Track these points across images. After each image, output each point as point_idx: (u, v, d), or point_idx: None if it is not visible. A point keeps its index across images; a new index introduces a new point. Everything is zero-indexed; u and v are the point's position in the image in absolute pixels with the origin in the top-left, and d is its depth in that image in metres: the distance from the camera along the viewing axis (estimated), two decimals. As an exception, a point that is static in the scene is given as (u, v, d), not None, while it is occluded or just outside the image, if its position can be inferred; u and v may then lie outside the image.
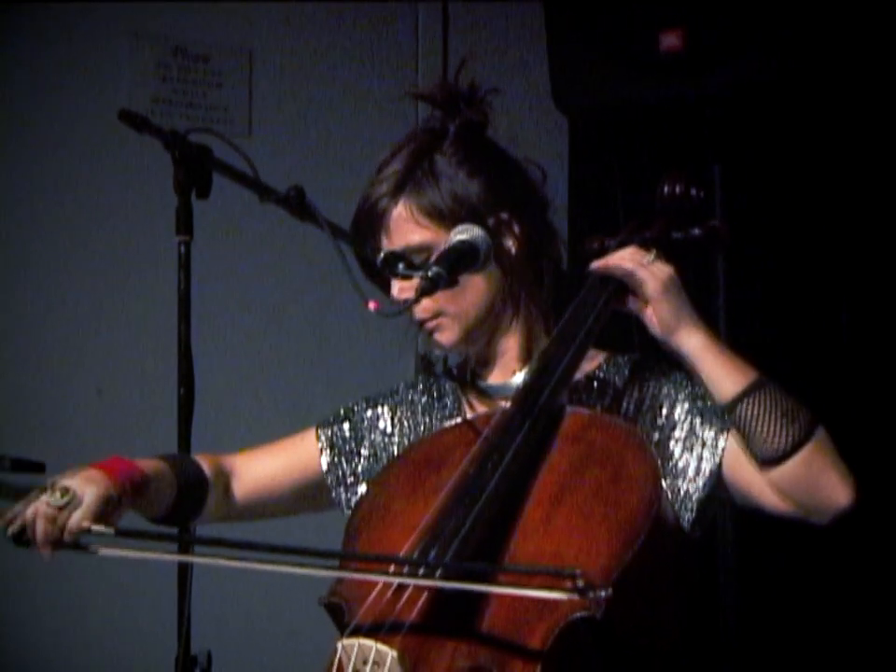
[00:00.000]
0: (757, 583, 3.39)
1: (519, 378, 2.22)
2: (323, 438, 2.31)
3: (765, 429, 2.06)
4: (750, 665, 3.46)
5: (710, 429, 2.16)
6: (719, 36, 3.34)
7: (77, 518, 2.01)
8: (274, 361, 3.79)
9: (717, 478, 2.13)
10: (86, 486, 2.04)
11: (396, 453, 2.27)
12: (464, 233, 2.11)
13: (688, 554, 2.07)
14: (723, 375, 2.09)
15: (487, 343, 2.25)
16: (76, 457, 3.46)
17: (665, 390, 2.22)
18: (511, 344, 2.26)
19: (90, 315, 3.65)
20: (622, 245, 2.20)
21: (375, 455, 2.30)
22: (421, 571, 1.90)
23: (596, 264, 2.16)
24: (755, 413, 2.07)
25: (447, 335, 2.20)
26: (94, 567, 3.58)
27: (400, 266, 2.07)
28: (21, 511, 2.04)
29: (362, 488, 2.27)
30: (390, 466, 2.19)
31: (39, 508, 2.02)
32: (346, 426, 2.32)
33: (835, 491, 2.06)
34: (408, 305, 2.04)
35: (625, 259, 2.13)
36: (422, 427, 2.29)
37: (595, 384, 2.25)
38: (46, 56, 3.64)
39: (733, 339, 3.44)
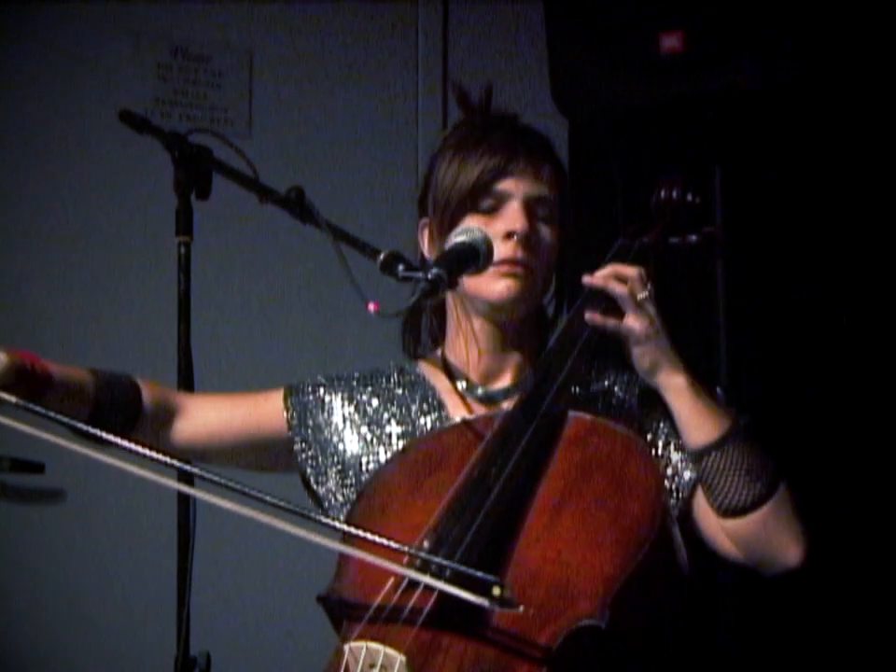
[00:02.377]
0: (756, 587, 3.38)
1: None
2: (291, 402, 2.30)
3: (727, 484, 2.09)
4: (748, 667, 3.47)
5: (682, 458, 2.18)
6: (719, 38, 3.34)
7: None
8: (274, 362, 3.78)
9: (684, 509, 2.15)
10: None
11: (361, 436, 2.26)
12: (464, 235, 2.12)
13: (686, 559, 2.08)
14: (694, 424, 2.12)
15: (501, 348, 2.26)
16: (75, 457, 3.48)
17: (635, 409, 2.24)
18: (524, 353, 2.26)
19: (89, 316, 3.64)
20: (620, 251, 2.21)
21: (339, 432, 2.27)
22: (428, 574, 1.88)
23: (593, 277, 2.16)
24: (719, 466, 2.09)
25: (521, 285, 2.19)
26: (94, 568, 3.59)
27: (401, 267, 2.07)
28: None
29: (323, 462, 2.26)
30: (388, 463, 2.18)
31: None
32: (314, 398, 2.30)
33: (786, 551, 2.10)
34: (407, 307, 2.03)
35: (622, 290, 2.11)
36: (394, 415, 2.27)
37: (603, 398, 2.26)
38: (46, 56, 3.63)
39: (733, 341, 3.45)
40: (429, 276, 2.01)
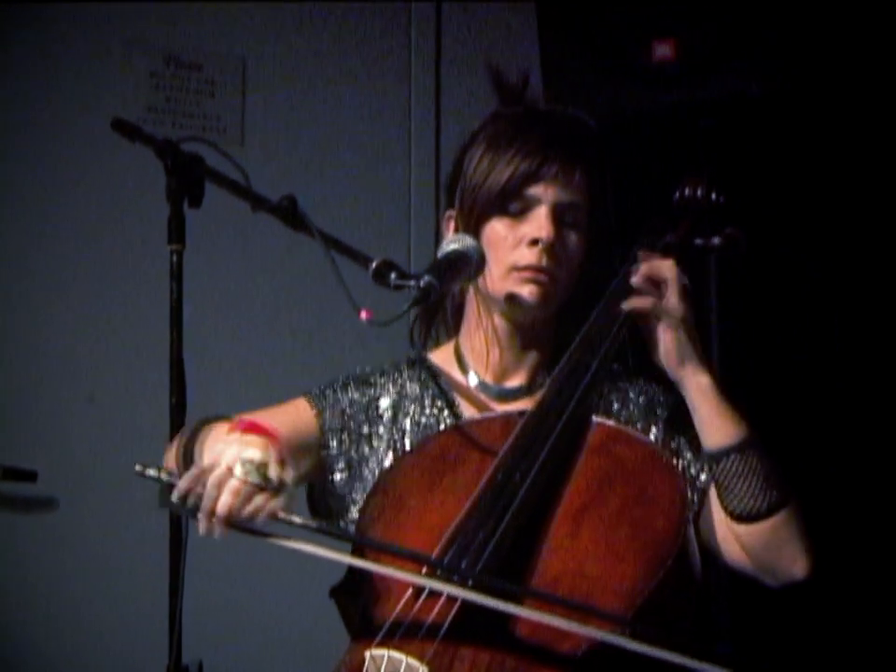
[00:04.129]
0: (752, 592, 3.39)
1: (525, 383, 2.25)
2: (317, 408, 2.27)
3: (743, 488, 2.09)
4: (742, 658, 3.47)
5: (697, 462, 2.18)
6: (711, 46, 3.35)
7: (278, 506, 1.87)
8: (267, 370, 3.78)
9: (694, 517, 2.15)
10: (281, 470, 1.90)
11: (378, 433, 2.25)
12: (456, 243, 2.12)
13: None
14: (716, 425, 2.11)
15: (523, 346, 2.26)
16: (67, 466, 3.49)
17: (649, 415, 2.24)
18: (540, 353, 2.26)
19: (81, 323, 3.64)
20: (645, 246, 2.21)
21: (358, 430, 2.26)
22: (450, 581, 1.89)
23: (638, 274, 2.15)
24: (737, 469, 2.09)
25: (542, 291, 2.18)
26: (85, 576, 3.58)
27: (393, 275, 2.07)
28: (196, 478, 1.87)
29: (345, 461, 2.24)
30: (402, 459, 2.17)
31: (229, 481, 1.85)
32: (336, 398, 2.28)
33: (794, 561, 2.10)
34: (399, 315, 2.02)
35: (667, 274, 2.12)
36: (407, 410, 2.26)
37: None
38: (38, 64, 3.63)
39: (725, 347, 3.46)
40: (421, 284, 2.01)
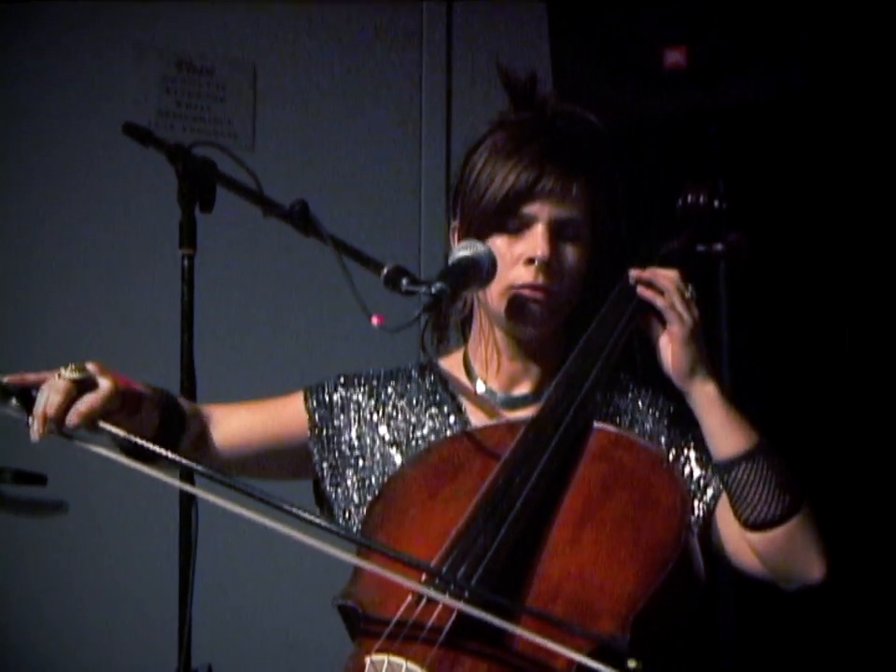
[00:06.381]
0: (754, 597, 3.39)
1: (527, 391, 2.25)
2: (311, 404, 2.29)
3: (756, 496, 2.07)
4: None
5: (705, 474, 2.17)
6: (722, 54, 3.35)
7: (90, 400, 1.97)
8: (277, 375, 3.78)
9: (705, 525, 2.15)
10: (101, 374, 2.00)
11: (380, 436, 2.25)
12: (467, 249, 2.12)
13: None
14: (725, 434, 2.10)
15: (531, 354, 2.25)
16: (78, 470, 3.49)
17: (659, 426, 2.23)
18: (548, 362, 2.25)
19: (92, 327, 3.64)
20: (645, 255, 2.20)
21: (358, 432, 2.27)
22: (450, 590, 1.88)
23: (637, 273, 2.16)
24: (748, 478, 2.08)
25: (540, 309, 2.18)
26: (95, 580, 3.58)
27: (404, 281, 2.06)
28: (32, 377, 2.01)
29: (342, 463, 2.25)
30: (406, 466, 2.17)
31: (52, 378, 1.98)
32: (335, 398, 2.29)
33: (810, 566, 2.09)
34: (410, 322, 2.03)
35: (668, 286, 2.12)
36: (413, 416, 2.27)
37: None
38: (50, 68, 3.64)
39: (735, 355, 3.46)
40: (433, 291, 2.01)
